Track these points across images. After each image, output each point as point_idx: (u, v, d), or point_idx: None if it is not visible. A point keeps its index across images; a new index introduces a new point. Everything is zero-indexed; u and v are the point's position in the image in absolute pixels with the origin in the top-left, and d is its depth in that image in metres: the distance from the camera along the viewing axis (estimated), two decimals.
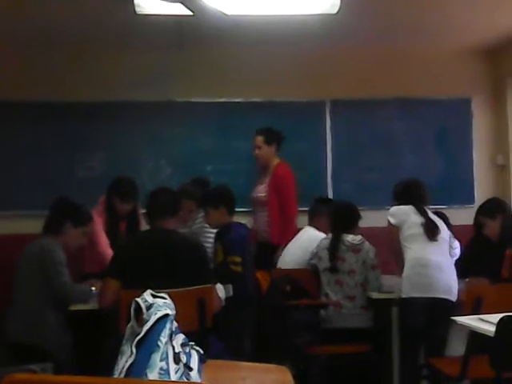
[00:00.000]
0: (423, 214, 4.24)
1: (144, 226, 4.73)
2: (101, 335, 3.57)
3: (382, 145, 6.35)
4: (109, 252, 4.76)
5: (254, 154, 5.65)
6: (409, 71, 6.32)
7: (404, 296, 4.10)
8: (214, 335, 3.44)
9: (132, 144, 6.14)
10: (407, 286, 4.10)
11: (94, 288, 3.94)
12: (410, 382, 4.14)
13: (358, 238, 4.53)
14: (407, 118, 6.40)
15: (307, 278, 4.63)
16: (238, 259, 4.10)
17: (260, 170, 5.74)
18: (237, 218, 4.50)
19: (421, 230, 4.16)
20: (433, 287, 4.04)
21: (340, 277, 4.44)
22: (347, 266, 4.44)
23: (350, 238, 4.52)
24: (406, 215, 4.25)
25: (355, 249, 4.48)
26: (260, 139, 5.60)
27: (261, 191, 5.58)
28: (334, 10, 4.96)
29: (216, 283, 3.62)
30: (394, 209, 4.36)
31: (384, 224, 4.44)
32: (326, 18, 5.15)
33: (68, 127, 6.09)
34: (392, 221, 4.29)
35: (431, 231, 4.15)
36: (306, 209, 5.61)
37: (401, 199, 4.41)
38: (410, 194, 4.37)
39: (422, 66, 6.32)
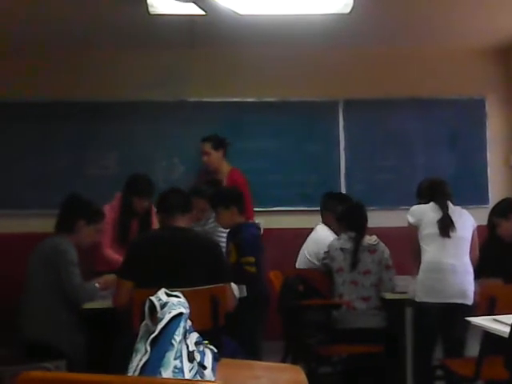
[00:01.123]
0: (443, 208, 4.17)
1: (157, 224, 4.75)
2: (114, 333, 3.57)
3: (396, 145, 6.33)
4: (108, 253, 4.80)
5: (203, 160, 5.67)
6: (422, 71, 6.29)
7: (418, 300, 4.08)
8: (227, 334, 3.44)
9: (145, 143, 6.16)
10: (421, 291, 4.07)
11: (97, 284, 3.94)
12: (424, 382, 4.12)
13: (374, 238, 4.52)
14: (420, 119, 6.37)
15: (320, 278, 4.62)
16: (252, 259, 4.10)
17: (204, 176, 5.69)
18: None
19: (436, 229, 4.12)
20: (446, 293, 4.00)
21: (355, 277, 4.43)
22: (363, 267, 4.43)
23: (367, 238, 4.51)
24: (423, 214, 4.20)
25: (371, 249, 4.47)
26: (208, 145, 5.64)
27: None
28: (347, 10, 4.96)
29: (231, 282, 3.61)
30: (414, 208, 4.32)
31: (397, 224, 4.44)
32: (338, 17, 5.14)
33: (81, 127, 6.11)
34: (410, 220, 4.25)
35: (445, 228, 4.09)
36: (318, 208, 5.61)
37: (424, 196, 4.38)
38: (433, 190, 4.32)
39: (435, 66, 6.29)
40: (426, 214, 4.19)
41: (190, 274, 3.37)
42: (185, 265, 3.41)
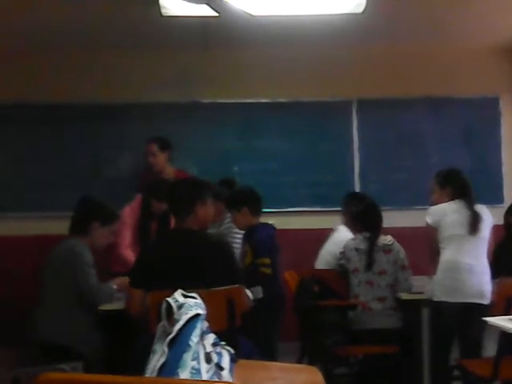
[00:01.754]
0: (471, 206, 4.11)
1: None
2: (130, 335, 3.57)
3: (410, 144, 6.31)
4: (127, 253, 4.82)
5: (148, 161, 5.60)
6: (436, 70, 6.27)
7: (436, 299, 4.06)
8: (243, 335, 3.43)
9: None
10: (439, 290, 4.05)
11: (114, 286, 3.95)
12: (441, 383, 4.09)
13: (389, 238, 4.50)
14: (435, 118, 6.35)
15: (335, 278, 4.61)
16: (268, 261, 4.09)
17: (143, 179, 5.61)
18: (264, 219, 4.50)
19: (457, 231, 4.06)
20: (464, 292, 3.98)
21: (371, 277, 4.42)
22: (378, 267, 4.42)
23: (381, 238, 4.49)
24: (443, 215, 4.14)
25: (386, 249, 4.45)
26: (154, 147, 5.58)
27: None
28: (360, 10, 4.96)
29: (243, 283, 3.57)
30: (433, 208, 4.24)
31: (412, 224, 4.42)
32: (351, 17, 5.14)
33: (95, 128, 6.15)
34: (429, 221, 4.20)
35: (474, 228, 4.04)
36: (332, 209, 5.62)
37: (444, 184, 4.28)
38: (453, 178, 4.26)
39: (449, 65, 6.27)
40: (446, 215, 4.13)
41: (201, 277, 3.32)
42: (196, 268, 3.35)
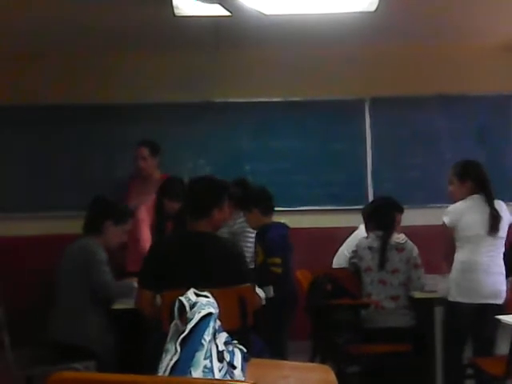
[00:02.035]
0: (491, 205, 4.04)
1: None
2: (143, 334, 3.59)
3: (423, 143, 6.28)
4: None
5: (138, 165, 5.48)
6: (449, 68, 6.24)
7: (451, 299, 4.03)
8: (254, 334, 3.43)
9: (171, 144, 6.17)
10: (454, 290, 4.02)
11: (135, 284, 3.96)
12: (455, 381, 4.07)
13: (402, 236, 4.49)
14: (448, 115, 6.32)
15: (348, 277, 4.60)
16: (278, 260, 4.11)
17: (132, 182, 5.62)
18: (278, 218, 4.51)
19: (476, 231, 4.01)
20: (480, 293, 3.95)
21: (384, 276, 4.41)
22: (391, 265, 4.40)
23: (394, 236, 4.47)
24: (461, 215, 4.07)
25: (399, 248, 4.43)
26: (146, 151, 5.47)
27: (144, 201, 5.24)
28: (373, 8, 4.94)
29: (253, 283, 3.56)
30: (451, 208, 4.16)
31: (425, 222, 4.40)
32: (364, 15, 5.12)
33: (108, 129, 6.17)
34: (446, 221, 4.13)
35: (494, 227, 3.99)
36: (345, 208, 5.62)
37: (464, 177, 4.17)
38: (473, 171, 4.17)
39: (462, 63, 6.24)
40: (464, 215, 4.06)
41: (210, 279, 3.28)
42: (204, 270, 3.30)
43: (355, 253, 4.57)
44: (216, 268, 3.32)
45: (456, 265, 4.07)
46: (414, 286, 4.36)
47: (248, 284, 3.37)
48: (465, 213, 4.08)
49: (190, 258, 3.32)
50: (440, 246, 4.28)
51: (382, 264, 4.40)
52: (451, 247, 4.12)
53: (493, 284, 3.98)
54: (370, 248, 4.48)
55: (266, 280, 3.92)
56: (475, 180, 4.14)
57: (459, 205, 4.14)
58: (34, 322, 3.94)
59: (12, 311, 3.84)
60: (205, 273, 3.26)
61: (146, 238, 4.85)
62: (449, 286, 4.06)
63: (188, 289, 2.09)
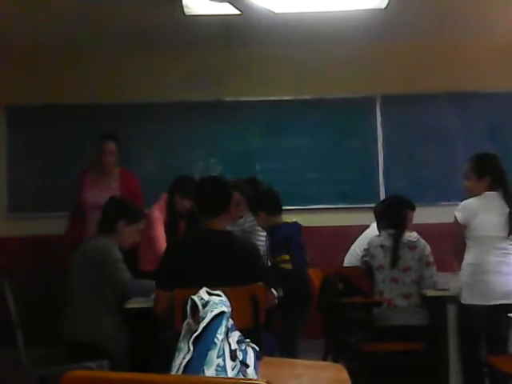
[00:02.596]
0: (506, 200, 3.93)
1: None
2: (156, 333, 3.59)
3: (435, 140, 6.26)
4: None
5: (105, 160, 5.32)
6: (460, 65, 6.21)
7: (463, 302, 3.98)
8: (267, 332, 3.43)
9: (182, 143, 6.20)
10: (467, 293, 3.96)
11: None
12: (474, 380, 4.03)
13: (414, 234, 4.47)
14: (459, 113, 6.29)
15: (359, 275, 4.60)
16: (287, 257, 4.16)
17: (85, 175, 5.44)
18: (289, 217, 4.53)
19: (489, 232, 3.93)
20: (492, 295, 3.88)
21: (396, 274, 4.39)
22: (403, 264, 4.38)
23: (407, 235, 4.45)
24: (474, 214, 3.97)
25: (411, 246, 4.40)
26: (113, 146, 5.35)
27: (105, 197, 4.98)
28: (383, 5, 4.93)
29: (269, 282, 3.57)
30: (464, 205, 4.05)
31: (438, 220, 4.37)
32: (374, 13, 5.11)
33: (118, 128, 6.15)
34: (458, 218, 4.03)
35: (510, 228, 3.90)
36: (356, 206, 5.61)
37: (483, 173, 4.02)
38: (492, 166, 4.04)
39: (474, 60, 6.21)
40: (477, 214, 3.96)
41: (226, 280, 3.30)
42: (220, 270, 3.33)
43: (367, 251, 4.56)
44: (233, 265, 3.35)
45: (465, 266, 4.00)
46: (426, 284, 4.35)
47: (263, 282, 3.38)
48: (480, 211, 3.98)
49: (206, 256, 3.34)
50: (450, 241, 4.23)
51: (394, 262, 4.39)
52: (461, 244, 4.05)
53: (505, 285, 3.90)
54: (381, 246, 4.46)
55: (275, 281, 3.93)
56: (495, 176, 4.02)
57: (474, 201, 4.03)
58: (48, 321, 3.95)
59: (25, 310, 3.85)
60: (222, 270, 3.30)
61: (161, 237, 4.86)
62: (460, 287, 4.00)
63: (204, 286, 2.09)
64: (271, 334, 3.49)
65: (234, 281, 3.19)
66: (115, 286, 3.83)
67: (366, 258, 4.56)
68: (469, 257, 4.01)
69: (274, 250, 4.26)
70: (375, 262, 4.48)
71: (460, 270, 4.07)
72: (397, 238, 4.43)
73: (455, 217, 4.06)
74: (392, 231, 4.47)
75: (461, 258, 4.05)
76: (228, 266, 3.34)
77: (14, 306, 3.73)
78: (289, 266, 4.15)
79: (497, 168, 4.05)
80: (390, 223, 4.53)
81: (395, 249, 4.40)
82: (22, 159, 6.15)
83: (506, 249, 3.95)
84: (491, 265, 3.92)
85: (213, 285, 2.11)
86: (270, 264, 4.29)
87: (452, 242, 4.20)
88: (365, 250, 4.60)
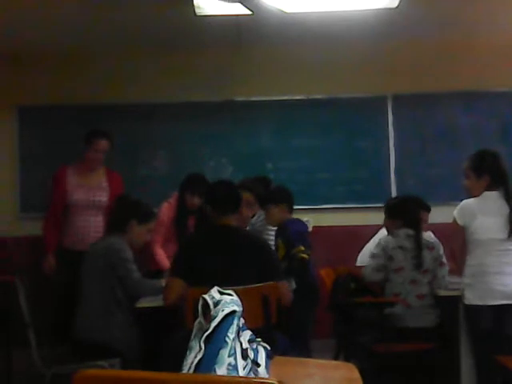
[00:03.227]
0: (507, 198, 3.86)
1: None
2: (167, 332, 3.60)
3: (446, 139, 6.23)
4: (158, 252, 4.88)
5: (97, 157, 5.15)
6: (472, 64, 6.18)
7: (467, 303, 3.94)
8: (279, 332, 3.44)
9: (193, 143, 6.21)
10: (470, 294, 3.91)
11: (163, 284, 3.99)
12: (486, 380, 3.99)
13: (430, 234, 4.41)
14: (471, 112, 6.26)
15: None
16: (303, 248, 4.18)
17: (72, 172, 5.22)
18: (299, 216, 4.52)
19: (489, 235, 3.86)
20: (495, 295, 3.83)
21: (415, 276, 4.26)
22: (424, 265, 4.26)
23: (425, 235, 4.36)
24: (473, 216, 3.90)
25: (429, 246, 4.30)
26: (107, 144, 5.15)
27: (98, 195, 5.16)
28: (394, 4, 4.92)
29: (282, 280, 3.59)
30: (463, 206, 3.98)
31: (449, 220, 4.31)
32: (386, 12, 5.10)
33: (131, 128, 6.20)
34: (458, 220, 3.97)
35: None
36: (368, 206, 5.60)
37: (481, 173, 3.96)
38: (491, 164, 3.95)
39: (485, 59, 6.18)
40: (477, 216, 3.89)
41: (240, 274, 3.37)
42: (236, 264, 3.41)
43: (383, 252, 4.35)
44: (249, 263, 3.44)
45: (470, 268, 3.94)
46: (440, 284, 4.26)
47: (280, 280, 3.48)
48: (478, 213, 3.90)
49: (221, 248, 3.46)
50: (452, 245, 4.16)
51: (419, 265, 4.24)
52: (464, 245, 3.96)
53: (508, 284, 3.85)
54: (401, 247, 4.30)
55: (291, 271, 3.96)
56: (493, 175, 3.94)
57: (472, 202, 3.95)
58: (59, 320, 3.97)
59: (37, 309, 3.87)
60: (238, 267, 3.40)
61: (157, 239, 4.91)
62: (465, 290, 3.95)
63: (220, 282, 2.13)
64: (284, 334, 3.50)
65: (250, 277, 3.31)
66: (125, 286, 3.84)
67: (382, 261, 4.36)
68: (470, 258, 3.95)
69: (289, 242, 4.24)
70: (394, 263, 4.30)
71: (461, 271, 4.00)
72: (418, 239, 4.29)
73: (454, 218, 3.99)
74: (411, 232, 4.32)
75: (463, 261, 3.98)
76: (243, 258, 3.44)
77: (25, 305, 3.75)
78: (306, 256, 4.18)
79: (496, 167, 3.96)
80: (406, 222, 4.39)
81: (419, 251, 4.26)
82: (34, 159, 6.17)
83: (508, 249, 3.88)
84: (492, 266, 3.86)
85: (229, 279, 2.14)
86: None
87: (452, 244, 4.11)
88: (380, 250, 4.38)
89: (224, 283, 2.44)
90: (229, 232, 3.58)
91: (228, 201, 3.62)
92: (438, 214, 5.13)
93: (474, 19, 5.56)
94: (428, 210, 4.86)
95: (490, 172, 3.95)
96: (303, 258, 4.16)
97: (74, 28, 5.45)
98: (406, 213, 4.47)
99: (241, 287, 2.99)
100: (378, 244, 4.43)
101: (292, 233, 4.28)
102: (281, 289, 3.47)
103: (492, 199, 3.93)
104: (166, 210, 4.97)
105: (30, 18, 5.19)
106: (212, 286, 2.06)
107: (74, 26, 5.39)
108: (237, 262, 3.42)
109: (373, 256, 4.41)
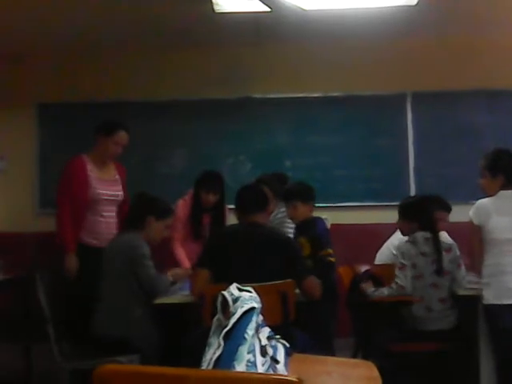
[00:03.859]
0: None
1: (230, 220, 4.82)
2: (186, 328, 3.62)
3: (466, 138, 6.18)
4: (178, 251, 4.91)
5: (116, 151, 4.86)
6: (492, 61, 6.13)
7: (485, 303, 3.91)
8: (299, 329, 3.44)
9: (212, 140, 6.22)
10: (488, 294, 3.89)
11: (170, 278, 4.02)
12: (506, 380, 3.95)
13: (446, 235, 4.36)
14: (491, 110, 6.21)
15: (390, 273, 4.53)
16: (331, 251, 4.19)
17: (89, 166, 4.85)
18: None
19: (505, 235, 3.83)
20: (510, 294, 3.81)
21: (436, 280, 4.15)
22: (443, 268, 4.16)
23: (443, 237, 4.28)
24: (488, 216, 3.88)
25: (447, 248, 4.20)
26: (127, 137, 4.87)
27: (116, 189, 4.93)
28: (414, 2, 4.90)
29: (308, 276, 3.60)
30: (479, 206, 3.94)
31: (469, 219, 4.27)
32: (405, 9, 5.08)
33: (148, 125, 6.21)
34: (474, 219, 3.94)
35: None
36: (386, 204, 5.57)
37: (496, 172, 3.94)
38: (506, 164, 3.92)
39: (506, 56, 6.12)
40: (492, 215, 3.86)
41: (265, 270, 3.41)
42: (261, 260, 3.46)
43: (406, 260, 4.15)
44: (275, 259, 3.50)
45: (487, 268, 3.91)
46: (459, 285, 4.16)
47: (308, 275, 3.58)
48: (493, 213, 3.88)
49: (248, 248, 3.52)
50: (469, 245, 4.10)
51: (439, 271, 4.12)
52: (480, 245, 3.93)
53: None
54: (422, 254, 4.16)
55: (318, 272, 3.94)
56: (508, 173, 3.92)
57: (487, 202, 3.93)
58: (80, 316, 3.98)
59: (56, 305, 3.89)
60: (263, 263, 3.47)
61: (177, 236, 4.92)
62: (483, 290, 3.92)
63: (244, 277, 2.14)
64: (303, 331, 3.50)
65: (275, 273, 3.38)
66: (141, 282, 3.85)
67: (406, 272, 4.14)
68: (487, 258, 3.92)
69: (314, 242, 4.20)
70: (415, 271, 4.15)
71: (478, 271, 3.98)
72: (436, 242, 4.17)
73: (470, 218, 3.96)
74: (428, 235, 4.20)
75: (480, 262, 3.95)
76: (269, 255, 3.51)
77: (45, 301, 3.78)
78: (334, 259, 4.19)
79: (510, 165, 3.95)
80: (422, 224, 4.26)
81: (439, 255, 4.14)
82: (54, 155, 6.20)
83: None
84: (509, 266, 3.83)
85: (254, 275, 2.15)
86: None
87: (470, 243, 4.06)
88: (406, 260, 4.16)
89: (249, 277, 2.47)
90: (254, 228, 3.65)
91: (253, 201, 3.74)
92: (458, 213, 5.08)
93: (495, 16, 5.51)
94: (448, 209, 4.81)
95: (504, 171, 3.93)
96: (331, 261, 4.15)
97: (94, 28, 5.48)
98: (421, 214, 4.34)
99: (260, 284, 2.99)
100: (402, 253, 4.22)
101: (320, 233, 4.26)
102: (311, 283, 3.56)
103: (508, 198, 3.91)
104: (181, 207, 4.97)
105: (46, 20, 5.22)
106: (236, 280, 2.08)
107: (94, 25, 5.42)
108: (262, 257, 3.48)
109: (402, 266, 4.19)
